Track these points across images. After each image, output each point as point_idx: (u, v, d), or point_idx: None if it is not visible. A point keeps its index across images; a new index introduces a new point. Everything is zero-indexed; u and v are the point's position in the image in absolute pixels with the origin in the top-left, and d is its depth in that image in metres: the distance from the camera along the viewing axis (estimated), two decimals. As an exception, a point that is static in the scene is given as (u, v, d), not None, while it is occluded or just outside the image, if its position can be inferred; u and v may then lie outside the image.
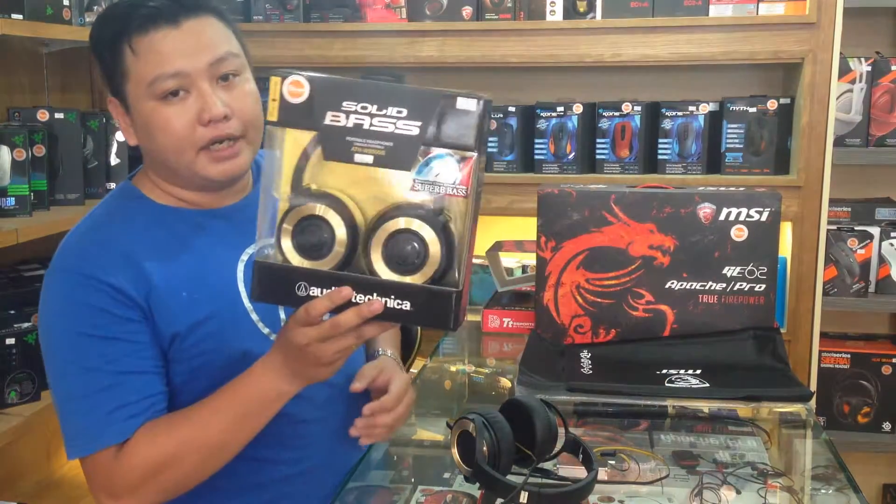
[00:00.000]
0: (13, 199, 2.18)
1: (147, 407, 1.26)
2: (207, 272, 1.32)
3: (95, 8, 2.47)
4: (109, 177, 2.50)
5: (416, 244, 1.08)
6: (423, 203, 1.08)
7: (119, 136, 2.51)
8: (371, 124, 1.08)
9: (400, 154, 1.08)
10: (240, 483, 1.35)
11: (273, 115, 1.10)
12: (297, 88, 1.09)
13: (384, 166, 1.08)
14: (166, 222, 1.33)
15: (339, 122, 1.09)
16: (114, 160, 2.51)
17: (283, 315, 1.37)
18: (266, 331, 1.35)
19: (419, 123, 1.07)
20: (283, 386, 1.21)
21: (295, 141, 1.10)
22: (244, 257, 1.36)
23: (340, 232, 1.10)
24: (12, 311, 2.19)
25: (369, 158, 1.08)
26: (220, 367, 1.30)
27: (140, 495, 1.24)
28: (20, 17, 2.14)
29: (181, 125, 1.26)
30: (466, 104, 1.07)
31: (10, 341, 2.13)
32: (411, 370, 2.07)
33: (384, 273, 1.10)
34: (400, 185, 1.09)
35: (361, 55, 2.75)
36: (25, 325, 2.18)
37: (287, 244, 1.11)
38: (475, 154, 1.07)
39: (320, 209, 1.10)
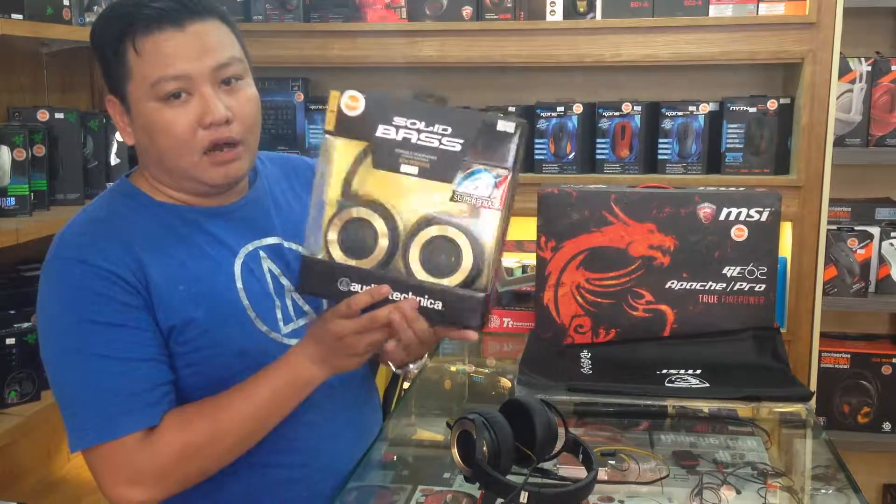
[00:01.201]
0: (13, 199, 2.18)
1: (164, 394, 1.27)
2: (205, 269, 1.32)
3: (95, 8, 2.46)
4: (109, 177, 2.49)
5: (451, 250, 1.19)
6: (460, 213, 1.19)
7: (119, 135, 2.51)
8: (418, 139, 1.19)
9: (443, 167, 1.19)
10: (244, 488, 1.35)
11: (330, 125, 1.20)
12: (353, 102, 1.20)
13: (428, 178, 1.19)
14: (164, 219, 1.33)
15: (389, 135, 1.19)
16: (114, 160, 2.51)
17: (279, 315, 1.37)
18: (264, 328, 1.35)
19: (462, 141, 1.18)
20: (314, 372, 1.26)
21: (347, 150, 1.20)
22: (242, 256, 1.36)
23: (383, 235, 1.20)
24: (12, 311, 2.19)
25: (415, 169, 1.19)
26: (216, 365, 1.30)
27: (165, 481, 1.24)
28: (20, 17, 2.14)
29: (182, 127, 1.26)
30: (505, 126, 1.18)
31: (10, 341, 2.13)
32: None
33: (420, 275, 1.20)
34: (439, 196, 1.19)
35: (361, 55, 2.75)
36: (25, 324, 2.18)
37: (333, 242, 1.21)
38: (510, 172, 1.18)
39: (367, 213, 1.20)
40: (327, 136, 1.21)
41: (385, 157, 1.20)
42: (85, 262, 1.25)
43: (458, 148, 1.19)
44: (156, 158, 1.31)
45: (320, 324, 1.24)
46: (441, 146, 1.19)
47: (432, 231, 1.19)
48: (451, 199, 1.19)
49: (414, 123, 1.19)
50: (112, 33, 1.27)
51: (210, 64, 1.26)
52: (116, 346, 1.24)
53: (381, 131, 1.20)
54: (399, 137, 1.19)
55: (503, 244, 1.22)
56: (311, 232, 1.22)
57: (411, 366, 1.46)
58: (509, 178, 1.18)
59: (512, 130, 1.18)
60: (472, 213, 1.19)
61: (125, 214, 1.32)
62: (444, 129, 1.19)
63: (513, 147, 1.18)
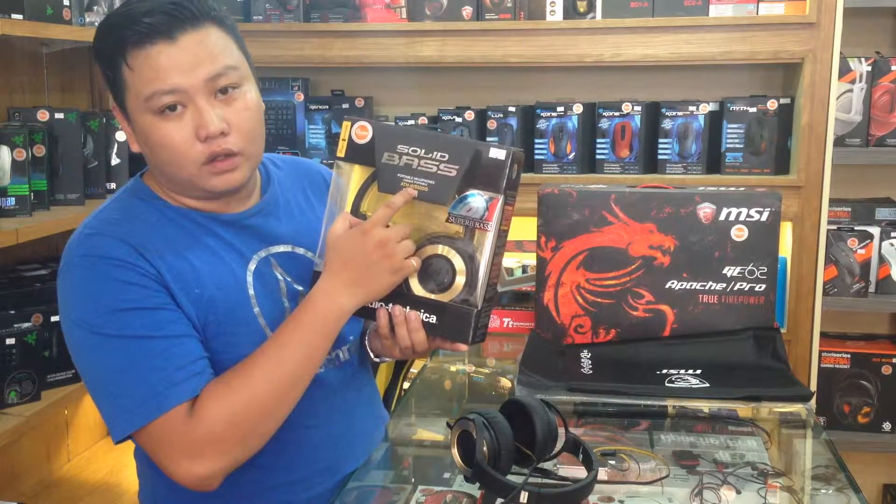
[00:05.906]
0: (13, 199, 2.18)
1: (206, 366, 1.25)
2: (219, 274, 1.32)
3: (95, 8, 2.47)
4: (109, 177, 2.50)
5: (447, 268, 1.28)
6: (456, 235, 1.27)
7: (119, 135, 2.51)
8: (419, 165, 1.27)
9: (440, 191, 1.27)
10: (241, 490, 1.34)
11: (341, 152, 1.31)
12: (362, 132, 1.30)
13: (426, 200, 1.27)
14: (178, 222, 1.33)
15: (393, 161, 1.28)
16: (114, 160, 2.51)
17: None
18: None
19: (457, 167, 1.26)
20: (342, 301, 1.26)
21: (357, 175, 1.30)
22: (254, 262, 1.36)
23: None
24: (12, 311, 2.19)
25: (414, 193, 1.27)
26: (224, 370, 1.28)
27: (223, 448, 1.21)
28: (20, 17, 2.14)
29: (180, 140, 1.26)
30: (497, 154, 1.25)
31: (10, 341, 2.13)
32: (411, 370, 2.07)
33: (418, 290, 1.29)
34: (437, 217, 1.28)
35: (361, 55, 2.75)
36: (25, 325, 2.18)
37: None
38: (501, 196, 1.25)
39: None
40: (338, 162, 1.31)
41: (389, 181, 1.28)
42: (106, 257, 1.24)
43: (453, 173, 1.26)
44: (158, 167, 1.32)
45: (345, 246, 1.25)
46: (439, 171, 1.26)
47: (431, 250, 1.28)
48: (447, 220, 1.27)
49: (415, 151, 1.27)
50: (107, 48, 1.27)
51: (203, 76, 1.25)
52: (156, 326, 1.23)
53: (386, 158, 1.28)
54: (402, 163, 1.28)
55: (500, 261, 1.31)
56: (321, 251, 1.31)
57: (386, 358, 1.51)
58: (500, 201, 1.25)
59: (503, 157, 1.24)
60: (466, 234, 1.27)
61: (140, 217, 1.32)
62: (442, 156, 1.26)
63: (504, 172, 1.24)
